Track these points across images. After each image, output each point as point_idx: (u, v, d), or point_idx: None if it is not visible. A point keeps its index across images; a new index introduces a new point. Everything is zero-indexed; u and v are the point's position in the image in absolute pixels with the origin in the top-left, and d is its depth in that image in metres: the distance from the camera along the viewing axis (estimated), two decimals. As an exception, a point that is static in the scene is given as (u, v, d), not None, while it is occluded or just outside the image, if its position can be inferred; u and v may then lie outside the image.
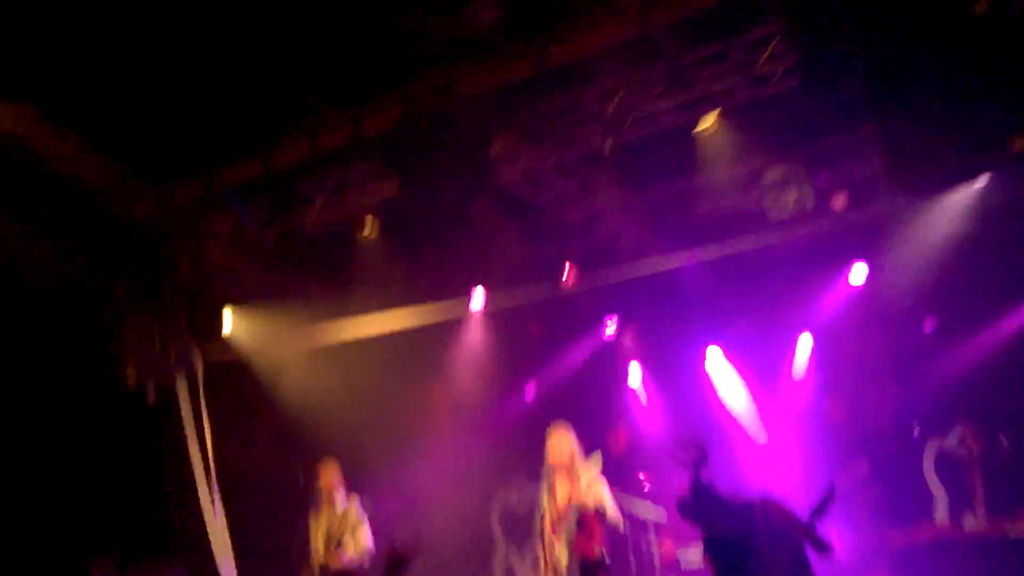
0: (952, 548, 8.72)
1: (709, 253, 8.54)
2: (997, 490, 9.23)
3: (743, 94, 7.29)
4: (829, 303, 10.43)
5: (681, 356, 11.38)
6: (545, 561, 6.96)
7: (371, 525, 8.86)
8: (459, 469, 10.26)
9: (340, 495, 8.22)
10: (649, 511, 10.38)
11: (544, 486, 7.20)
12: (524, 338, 10.87)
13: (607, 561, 7.11)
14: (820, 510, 5.91)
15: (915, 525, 9.43)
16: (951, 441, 9.63)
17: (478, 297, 9.20)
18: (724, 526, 6.22)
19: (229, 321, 9.24)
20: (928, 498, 9.68)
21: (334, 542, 7.97)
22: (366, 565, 7.88)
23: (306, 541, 8.25)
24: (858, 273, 9.80)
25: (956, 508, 9.62)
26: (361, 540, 7.96)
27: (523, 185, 7.89)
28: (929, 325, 10.20)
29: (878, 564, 9.53)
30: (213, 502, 8.86)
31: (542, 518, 7.10)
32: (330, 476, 8.24)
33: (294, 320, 9.17)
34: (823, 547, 6.08)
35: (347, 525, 7.97)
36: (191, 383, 8.76)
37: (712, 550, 6.26)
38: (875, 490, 9.89)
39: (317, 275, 9.42)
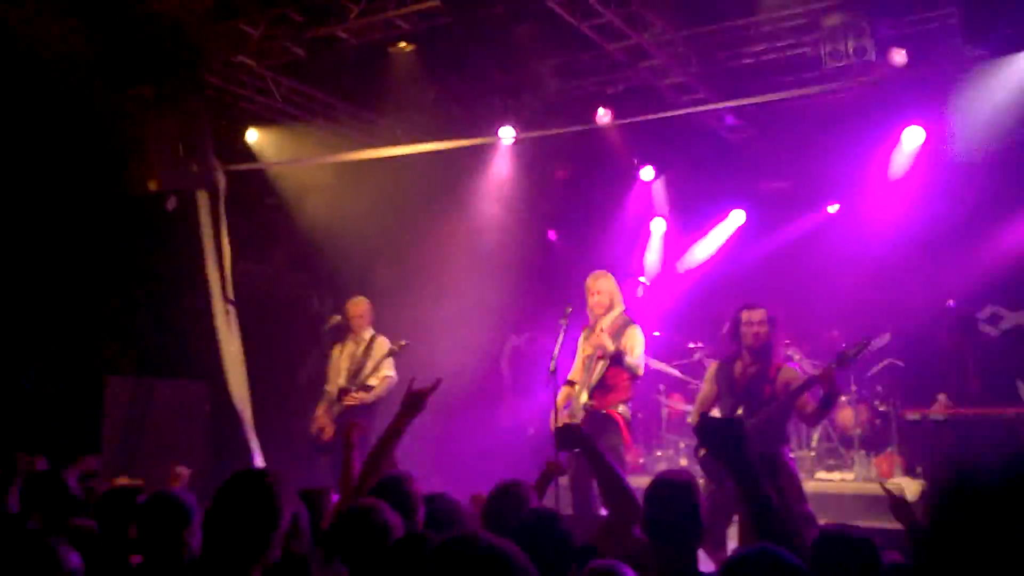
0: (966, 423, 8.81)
1: (756, 100, 8.30)
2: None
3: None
4: (873, 167, 10.27)
5: (709, 213, 11.33)
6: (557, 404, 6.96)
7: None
8: (472, 307, 10.29)
9: (368, 330, 8.29)
10: (661, 365, 10.55)
11: (586, 330, 7.18)
12: (551, 177, 10.75)
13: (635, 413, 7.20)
14: (846, 357, 5.98)
15: (932, 401, 9.56)
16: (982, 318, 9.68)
17: (507, 131, 9.02)
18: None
19: (254, 136, 9.15)
20: (947, 375, 9.78)
21: (356, 370, 8.09)
22: (384, 395, 8.00)
23: (324, 367, 8.35)
24: (912, 137, 9.53)
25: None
26: (383, 370, 8.06)
27: (570, 7, 7.63)
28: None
29: (889, 438, 9.70)
30: (228, 319, 8.93)
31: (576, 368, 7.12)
32: (360, 308, 8.31)
33: (319, 139, 9.05)
34: (830, 400, 6.17)
35: (371, 357, 8.07)
36: (212, 196, 8.71)
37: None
38: (894, 362, 10.00)
39: (347, 91, 9.24)
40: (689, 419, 6.73)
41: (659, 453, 10.59)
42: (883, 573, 3.19)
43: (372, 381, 8.04)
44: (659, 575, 3.40)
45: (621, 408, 6.98)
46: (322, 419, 8.10)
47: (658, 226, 11.51)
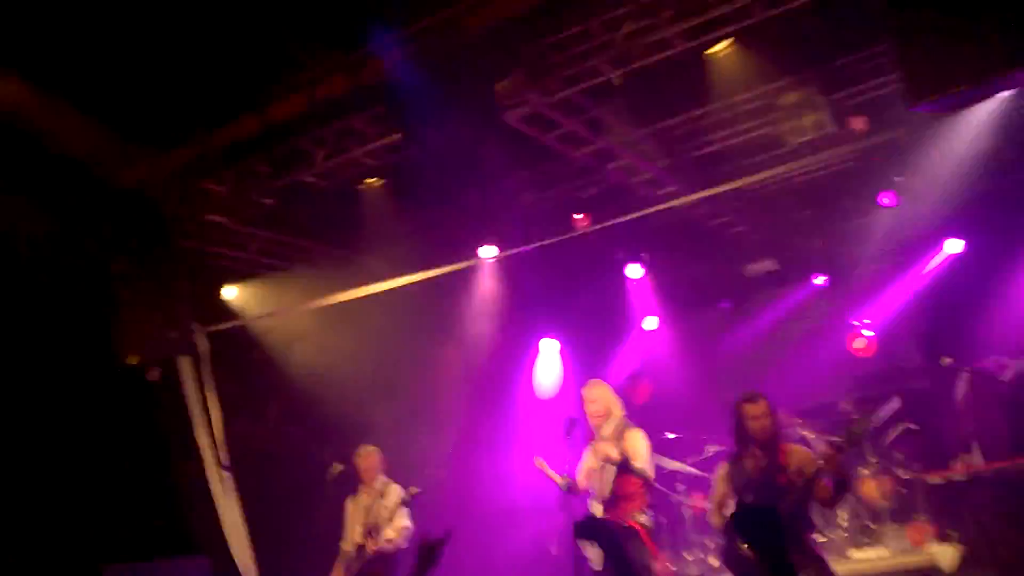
0: (989, 484, 8.66)
1: (726, 187, 8.40)
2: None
3: (757, 13, 7.15)
4: (849, 235, 10.37)
5: (702, 299, 11.34)
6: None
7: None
8: (478, 432, 10.14)
9: (380, 479, 8.17)
10: (676, 465, 10.37)
11: (586, 451, 7.08)
12: (537, 289, 10.73)
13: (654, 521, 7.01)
14: (853, 434, 5.83)
15: (952, 462, 9.42)
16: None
17: (488, 250, 9.04)
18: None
19: (233, 293, 9.10)
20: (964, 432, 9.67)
21: (373, 523, 7.90)
22: (404, 545, 7.81)
23: (340, 524, 8.19)
24: (885, 199, 9.63)
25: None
26: (399, 521, 7.88)
27: (531, 125, 7.75)
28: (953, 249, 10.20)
29: (916, 505, 9.52)
30: (224, 487, 8.71)
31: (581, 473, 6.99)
32: (371, 460, 8.22)
33: (299, 287, 9.01)
34: (844, 485, 6.08)
35: (386, 508, 7.91)
36: (194, 360, 8.60)
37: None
38: (908, 427, 9.89)
39: (322, 234, 9.25)
40: (710, 519, 6.53)
41: (688, 556, 10.32)
42: None
43: (389, 533, 7.85)
44: None
45: (641, 518, 6.83)
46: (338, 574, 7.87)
47: (650, 324, 11.49)
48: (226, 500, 8.68)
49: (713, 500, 6.42)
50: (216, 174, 7.79)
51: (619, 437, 6.89)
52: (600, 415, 7.08)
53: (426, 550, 4.32)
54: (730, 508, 6.34)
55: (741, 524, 3.29)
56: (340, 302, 8.75)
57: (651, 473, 6.99)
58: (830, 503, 6.16)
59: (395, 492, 8.03)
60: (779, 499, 5.86)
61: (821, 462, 5.89)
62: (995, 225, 9.72)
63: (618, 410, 7.14)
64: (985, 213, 9.59)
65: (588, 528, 3.96)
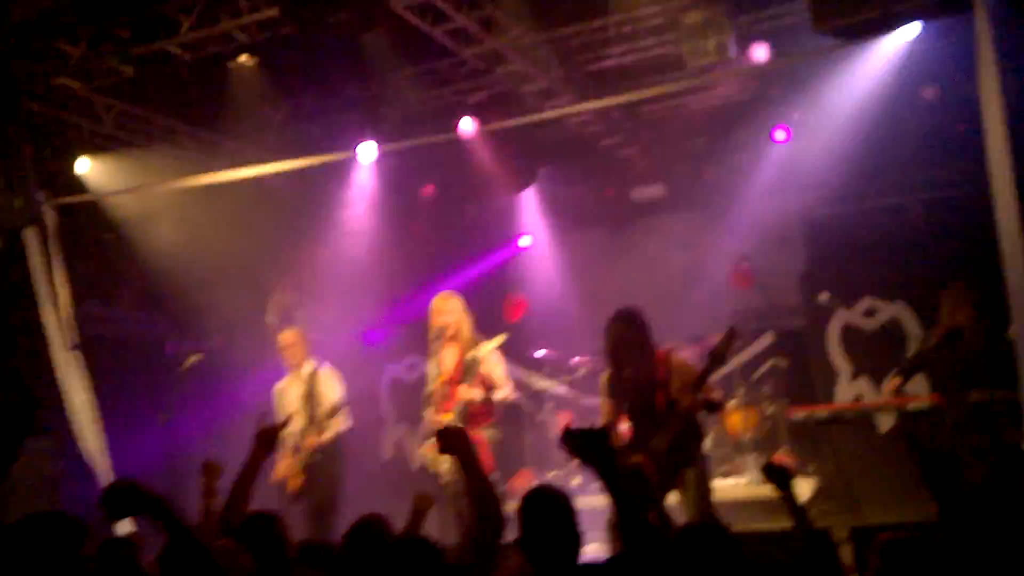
0: (850, 422, 8.88)
1: (619, 100, 8.22)
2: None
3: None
4: (740, 167, 10.36)
5: (586, 220, 11.25)
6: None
7: (248, 404, 8.60)
8: (344, 336, 9.94)
9: (308, 363, 7.94)
10: (546, 384, 10.39)
11: (432, 360, 7.08)
12: (416, 195, 10.48)
13: (499, 437, 7.17)
14: (718, 355, 5.85)
15: (817, 400, 9.64)
16: (857, 313, 9.79)
17: (368, 149, 8.72)
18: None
19: (86, 166, 8.59)
20: (831, 372, 9.90)
21: (312, 409, 7.76)
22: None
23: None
24: (777, 134, 9.62)
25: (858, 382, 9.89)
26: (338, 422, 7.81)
27: (421, 15, 7.40)
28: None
29: (778, 439, 9.74)
30: (71, 369, 8.33)
31: (431, 394, 7.02)
32: (291, 339, 7.98)
33: (159, 165, 8.55)
34: (715, 405, 6.12)
35: (325, 397, 7.77)
36: (41, 233, 8.11)
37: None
38: (778, 363, 10.07)
39: (186, 112, 8.76)
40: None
41: (552, 475, 10.41)
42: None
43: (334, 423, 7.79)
44: None
45: (486, 433, 7.00)
46: (287, 468, 7.69)
47: (525, 242, 11.35)
48: (72, 381, 8.29)
49: (602, 415, 6.35)
50: (70, 34, 7.22)
51: (478, 362, 6.93)
52: (452, 328, 7.05)
53: (264, 433, 4.28)
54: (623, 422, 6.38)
55: (569, 443, 3.21)
56: (202, 185, 8.35)
57: (512, 397, 7.19)
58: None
59: (328, 374, 7.92)
60: (661, 416, 5.96)
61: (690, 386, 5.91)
62: (879, 167, 9.83)
63: (467, 328, 7.11)
64: (873, 156, 9.68)
65: (447, 440, 3.86)
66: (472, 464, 3.79)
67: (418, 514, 4.74)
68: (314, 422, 7.72)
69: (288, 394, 7.98)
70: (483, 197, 10.43)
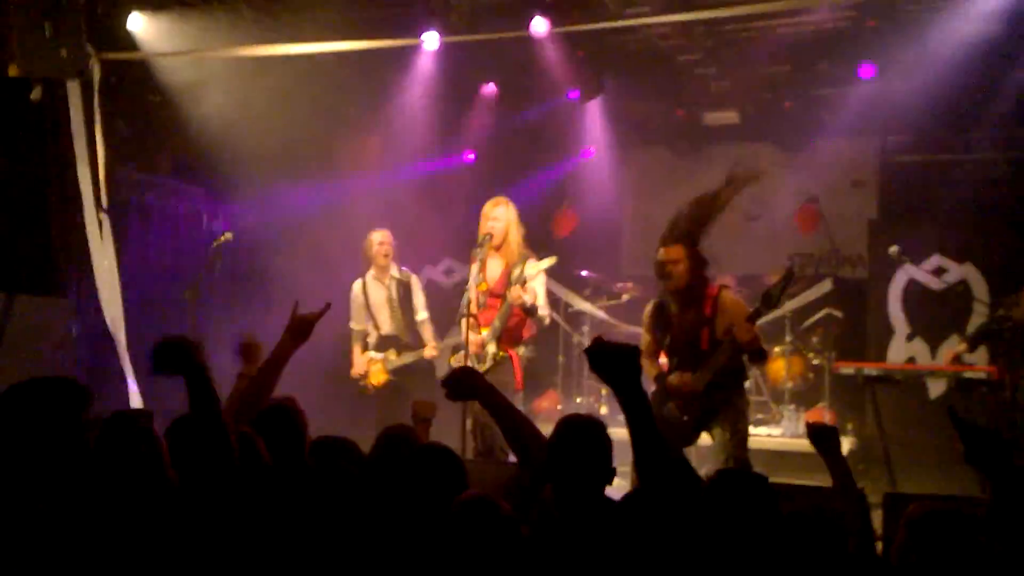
0: (899, 383, 8.69)
1: (705, 15, 7.89)
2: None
3: None
4: (821, 101, 10.02)
5: (652, 138, 10.97)
6: (467, 350, 6.79)
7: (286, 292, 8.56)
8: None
9: (394, 268, 8.20)
10: (586, 306, 10.27)
11: (474, 267, 6.94)
12: (476, 92, 10.22)
13: (531, 355, 7.18)
14: (771, 298, 5.71)
15: (867, 356, 9.46)
16: (924, 270, 9.54)
17: (432, 38, 8.47)
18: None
19: (138, 23, 8.40)
20: (887, 329, 9.70)
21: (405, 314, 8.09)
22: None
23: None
24: (864, 70, 9.21)
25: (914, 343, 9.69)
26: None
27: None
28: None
29: (820, 392, 9.60)
30: (102, 232, 8.28)
31: (469, 303, 6.88)
32: (386, 245, 8.13)
33: (214, 30, 8.30)
34: (759, 353, 5.97)
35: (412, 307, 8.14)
36: (85, 87, 7.98)
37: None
38: (832, 313, 9.87)
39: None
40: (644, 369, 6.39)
41: (579, 400, 10.39)
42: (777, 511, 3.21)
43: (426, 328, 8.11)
44: (563, 516, 3.25)
45: (521, 349, 6.99)
46: (366, 365, 8.08)
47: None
48: (101, 245, 8.25)
49: (642, 348, 6.26)
50: None
51: (522, 278, 6.83)
52: (500, 236, 6.95)
53: (298, 323, 4.22)
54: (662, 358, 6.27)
55: (594, 357, 3.02)
56: (256, 57, 8.16)
57: (548, 320, 7.19)
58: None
59: (420, 288, 8.26)
60: (704, 357, 5.87)
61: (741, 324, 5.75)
62: (970, 118, 9.47)
63: (517, 239, 7.01)
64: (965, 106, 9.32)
65: (460, 384, 3.75)
66: (496, 406, 3.67)
67: (421, 423, 4.69)
68: (408, 328, 8.07)
69: (372, 294, 8.12)
70: (547, 103, 10.14)
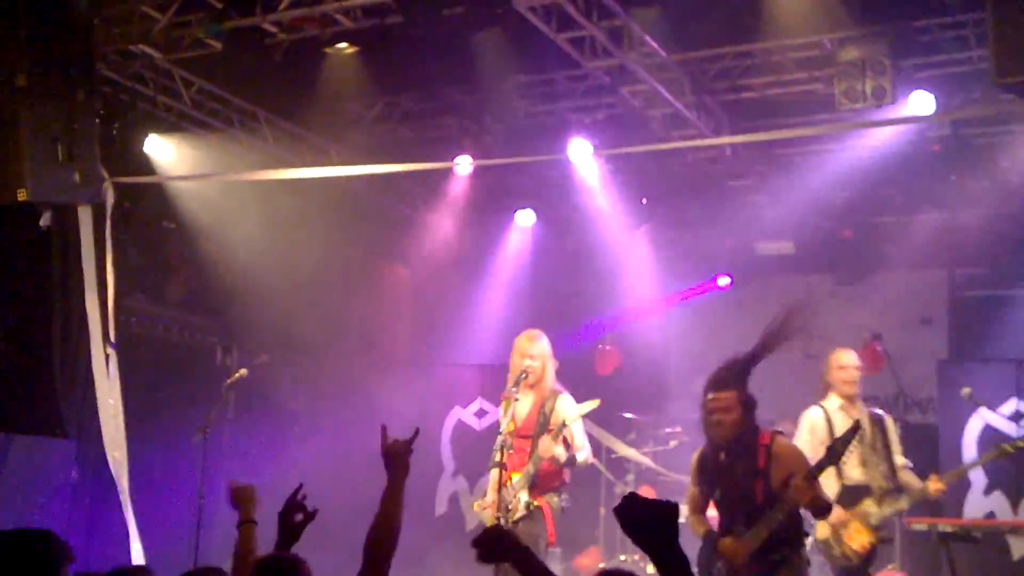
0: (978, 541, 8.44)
1: (757, 138, 8.02)
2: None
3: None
4: (884, 231, 10.07)
5: (699, 267, 10.98)
6: (498, 497, 6.71)
7: (302, 425, 8.50)
8: (409, 375, 9.83)
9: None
10: (631, 452, 10.13)
11: (505, 405, 6.93)
12: (512, 218, 10.36)
13: (566, 505, 6.99)
14: (836, 449, 5.61)
15: (942, 511, 9.24)
16: (1001, 415, 9.38)
17: (465, 161, 8.63)
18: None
19: (156, 145, 8.64)
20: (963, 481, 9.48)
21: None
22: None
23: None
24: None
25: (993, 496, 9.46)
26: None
27: (544, 17, 7.29)
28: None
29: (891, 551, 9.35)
30: (107, 367, 8.33)
31: (501, 447, 6.79)
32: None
33: (234, 153, 8.55)
34: (824, 507, 5.79)
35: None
36: (97, 214, 8.14)
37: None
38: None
39: (272, 97, 8.75)
40: (690, 526, 6.22)
41: (623, 558, 10.13)
42: None
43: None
44: None
45: (554, 499, 6.86)
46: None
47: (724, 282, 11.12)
48: (107, 382, 8.27)
49: (687, 499, 6.07)
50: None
51: (548, 407, 6.80)
52: (537, 374, 6.87)
53: (394, 453, 4.01)
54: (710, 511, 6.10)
55: (626, 512, 2.88)
56: (277, 181, 8.32)
57: (590, 459, 7.10)
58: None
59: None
60: (756, 512, 5.65)
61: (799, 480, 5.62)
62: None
63: (550, 375, 6.97)
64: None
65: (494, 545, 3.66)
66: (527, 565, 3.47)
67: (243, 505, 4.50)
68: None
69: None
70: (587, 229, 10.24)
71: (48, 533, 3.42)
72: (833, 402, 7.45)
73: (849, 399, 7.42)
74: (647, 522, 2.80)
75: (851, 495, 7.18)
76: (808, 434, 7.34)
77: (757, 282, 10.82)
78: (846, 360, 7.47)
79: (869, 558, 7.09)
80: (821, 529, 6.98)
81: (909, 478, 7.42)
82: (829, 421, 7.32)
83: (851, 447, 6.72)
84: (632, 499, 2.86)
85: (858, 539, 7.01)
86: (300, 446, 9.06)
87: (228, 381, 8.32)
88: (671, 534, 2.79)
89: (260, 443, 9.14)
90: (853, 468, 7.22)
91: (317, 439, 9.25)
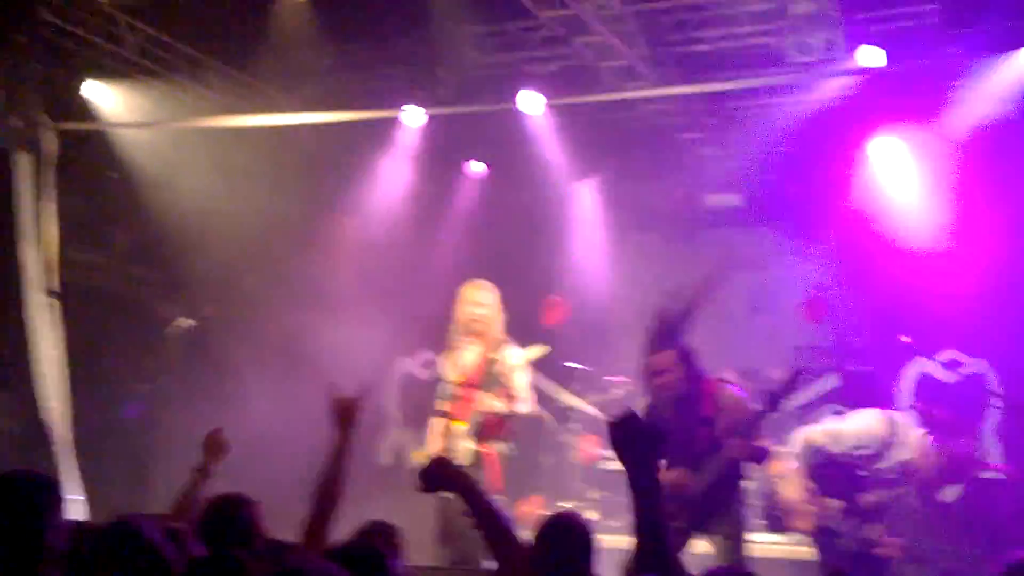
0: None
1: (708, 88, 8.16)
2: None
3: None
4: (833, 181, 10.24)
5: (647, 219, 11.13)
6: (443, 446, 6.84)
7: (248, 377, 8.52)
8: (355, 327, 9.87)
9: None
10: (575, 401, 10.29)
11: (449, 355, 7.03)
12: (462, 170, 10.41)
13: (512, 454, 7.09)
14: (776, 397, 5.83)
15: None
16: (937, 364, 9.69)
17: (416, 111, 8.64)
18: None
19: (96, 91, 8.54)
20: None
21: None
22: None
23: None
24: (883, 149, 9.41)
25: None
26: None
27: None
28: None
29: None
30: (46, 319, 8.28)
31: (446, 396, 6.97)
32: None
33: (180, 101, 8.49)
34: (763, 456, 6.05)
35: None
36: (35, 159, 8.05)
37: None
38: (838, 410, 9.95)
39: (220, 46, 8.68)
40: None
41: (566, 505, 10.32)
42: None
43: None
44: None
45: (500, 447, 6.93)
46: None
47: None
48: (44, 332, 8.23)
49: None
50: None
51: (498, 362, 6.84)
52: (483, 323, 6.93)
53: (343, 408, 4.09)
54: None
55: (619, 430, 3.01)
56: (224, 129, 8.28)
57: (534, 411, 7.21)
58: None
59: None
60: (703, 460, 5.88)
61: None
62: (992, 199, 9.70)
63: (497, 326, 6.99)
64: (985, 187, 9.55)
65: (435, 475, 3.74)
66: (477, 501, 3.68)
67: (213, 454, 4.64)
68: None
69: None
70: (535, 181, 10.32)
71: (32, 473, 3.31)
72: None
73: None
74: (636, 441, 2.92)
75: None
76: None
77: (706, 234, 11.00)
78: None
79: None
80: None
81: None
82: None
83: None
84: (629, 417, 2.98)
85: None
86: (245, 398, 9.09)
87: (172, 332, 8.34)
88: (654, 458, 2.95)
89: (205, 395, 9.13)
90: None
91: (263, 391, 9.27)
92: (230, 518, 3.87)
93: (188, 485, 4.51)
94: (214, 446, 4.65)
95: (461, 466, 3.93)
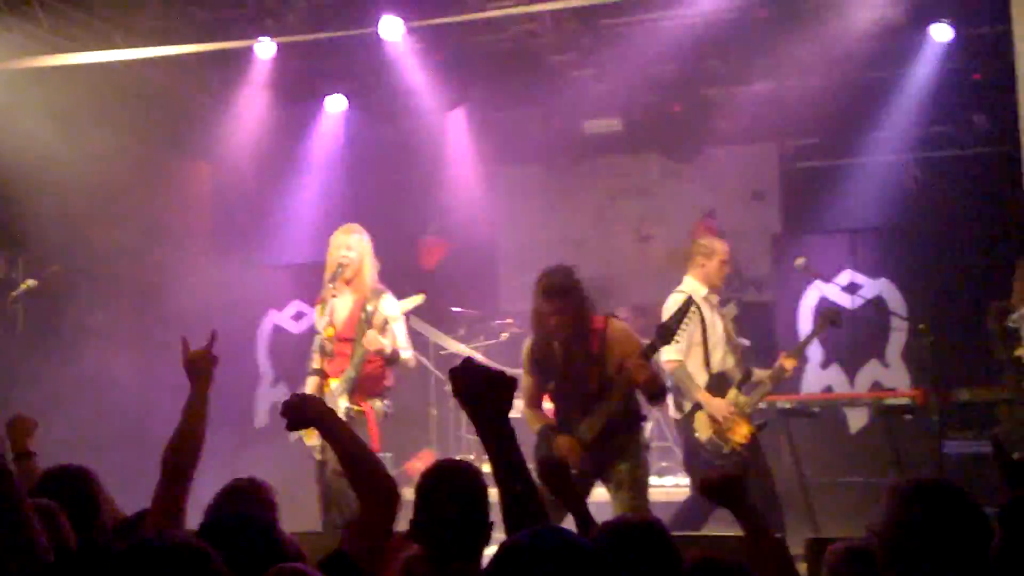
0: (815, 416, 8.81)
1: (578, 3, 7.97)
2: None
3: None
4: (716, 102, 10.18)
5: (523, 150, 10.94)
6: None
7: (102, 339, 8.25)
8: (217, 280, 9.57)
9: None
10: (461, 347, 10.16)
11: (322, 307, 6.89)
12: (320, 104, 10.08)
13: (389, 411, 7.01)
14: (667, 330, 5.74)
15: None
16: (835, 287, 9.71)
17: (265, 43, 8.30)
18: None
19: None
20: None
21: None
22: None
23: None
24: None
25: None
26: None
27: None
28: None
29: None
30: None
31: (320, 351, 6.84)
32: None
33: (6, 39, 8.03)
34: (657, 392, 5.96)
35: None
36: None
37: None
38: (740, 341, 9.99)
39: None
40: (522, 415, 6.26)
41: (459, 458, 10.19)
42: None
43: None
44: None
45: (377, 403, 6.87)
46: None
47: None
48: None
49: (523, 392, 6.07)
50: None
51: (380, 319, 6.73)
52: (354, 268, 6.81)
53: (197, 362, 3.99)
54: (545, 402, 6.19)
55: (462, 375, 2.86)
56: (54, 68, 7.82)
57: (413, 361, 7.10)
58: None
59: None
60: (594, 402, 5.82)
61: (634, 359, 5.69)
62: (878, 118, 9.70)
63: (370, 273, 6.90)
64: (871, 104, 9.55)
65: (298, 413, 3.60)
66: (336, 434, 3.52)
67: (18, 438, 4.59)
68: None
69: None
70: (402, 115, 10.07)
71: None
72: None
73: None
74: (482, 387, 2.81)
75: (718, 385, 7.27)
76: None
77: (586, 163, 10.86)
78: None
79: (756, 447, 7.18)
80: (703, 429, 7.06)
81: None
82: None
83: (716, 334, 6.97)
84: (469, 363, 2.88)
85: (739, 431, 7.08)
86: (101, 362, 8.75)
87: (14, 294, 8.05)
88: (504, 404, 2.82)
89: (55, 361, 8.75)
90: (718, 356, 7.33)
91: (119, 353, 8.95)
92: (63, 492, 3.75)
93: (22, 474, 4.27)
94: (18, 427, 4.59)
95: (320, 401, 3.74)
